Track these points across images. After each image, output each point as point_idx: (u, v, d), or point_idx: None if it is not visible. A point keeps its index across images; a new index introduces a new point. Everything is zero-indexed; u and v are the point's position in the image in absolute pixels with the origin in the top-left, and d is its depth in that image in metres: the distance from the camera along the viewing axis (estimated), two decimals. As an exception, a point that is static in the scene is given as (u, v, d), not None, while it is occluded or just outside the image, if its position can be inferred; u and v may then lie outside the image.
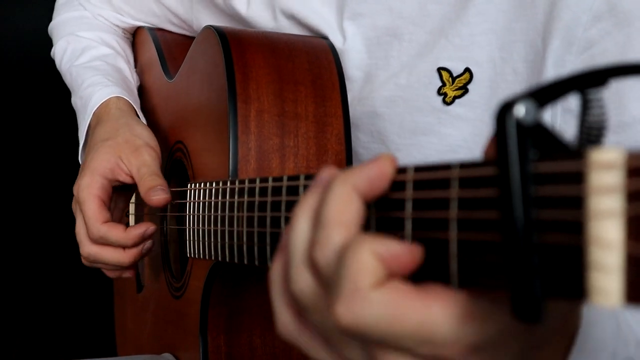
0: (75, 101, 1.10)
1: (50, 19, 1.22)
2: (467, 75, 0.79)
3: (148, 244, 0.94)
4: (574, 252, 0.31)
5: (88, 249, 0.93)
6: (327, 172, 0.45)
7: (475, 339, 0.37)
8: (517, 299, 0.34)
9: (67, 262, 1.85)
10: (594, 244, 0.30)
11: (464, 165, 0.39)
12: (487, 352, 0.38)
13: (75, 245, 0.96)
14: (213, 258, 0.79)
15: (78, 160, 1.07)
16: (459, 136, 0.80)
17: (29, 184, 1.87)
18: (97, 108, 1.02)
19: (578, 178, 0.31)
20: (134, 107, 1.04)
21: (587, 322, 0.46)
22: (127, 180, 0.95)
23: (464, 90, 0.79)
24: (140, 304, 1.14)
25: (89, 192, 0.92)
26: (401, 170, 0.44)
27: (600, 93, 0.36)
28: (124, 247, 0.92)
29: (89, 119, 1.03)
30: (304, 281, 0.42)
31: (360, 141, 0.86)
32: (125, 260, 0.92)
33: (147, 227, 0.92)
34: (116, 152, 0.94)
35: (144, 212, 1.10)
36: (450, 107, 0.80)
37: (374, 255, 0.39)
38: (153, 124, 1.09)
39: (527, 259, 0.33)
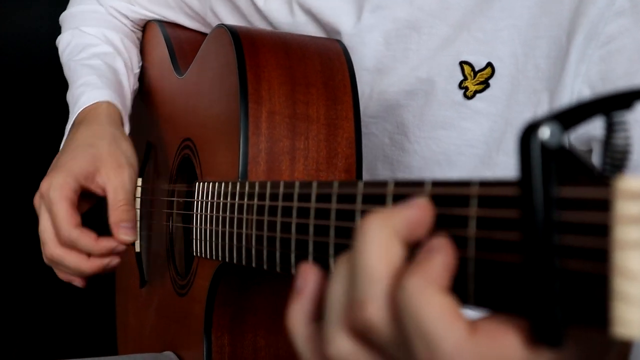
0: (68, 97, 1.08)
1: (50, 19, 1.21)
2: (489, 69, 0.79)
3: (114, 261, 0.90)
4: (598, 281, 0.31)
5: (53, 250, 0.89)
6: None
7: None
8: (537, 324, 0.33)
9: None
10: (619, 274, 0.30)
11: (483, 184, 0.38)
12: None
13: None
14: (220, 259, 0.79)
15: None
16: (478, 131, 0.80)
17: (29, 184, 1.86)
18: (86, 107, 1.00)
19: (604, 206, 0.31)
20: (122, 117, 1.02)
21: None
22: (98, 192, 0.92)
23: (485, 84, 0.79)
24: (143, 300, 1.14)
25: (61, 193, 0.88)
26: (418, 184, 0.43)
27: (625, 116, 0.36)
28: (89, 255, 0.88)
29: (75, 116, 1.01)
30: (344, 347, 0.39)
31: (388, 131, 0.86)
32: (86, 269, 0.89)
33: (119, 244, 0.89)
34: (96, 162, 0.91)
35: (151, 208, 1.10)
36: (471, 102, 0.80)
37: (447, 297, 0.36)
38: (160, 118, 1.08)
39: (549, 284, 0.33)
